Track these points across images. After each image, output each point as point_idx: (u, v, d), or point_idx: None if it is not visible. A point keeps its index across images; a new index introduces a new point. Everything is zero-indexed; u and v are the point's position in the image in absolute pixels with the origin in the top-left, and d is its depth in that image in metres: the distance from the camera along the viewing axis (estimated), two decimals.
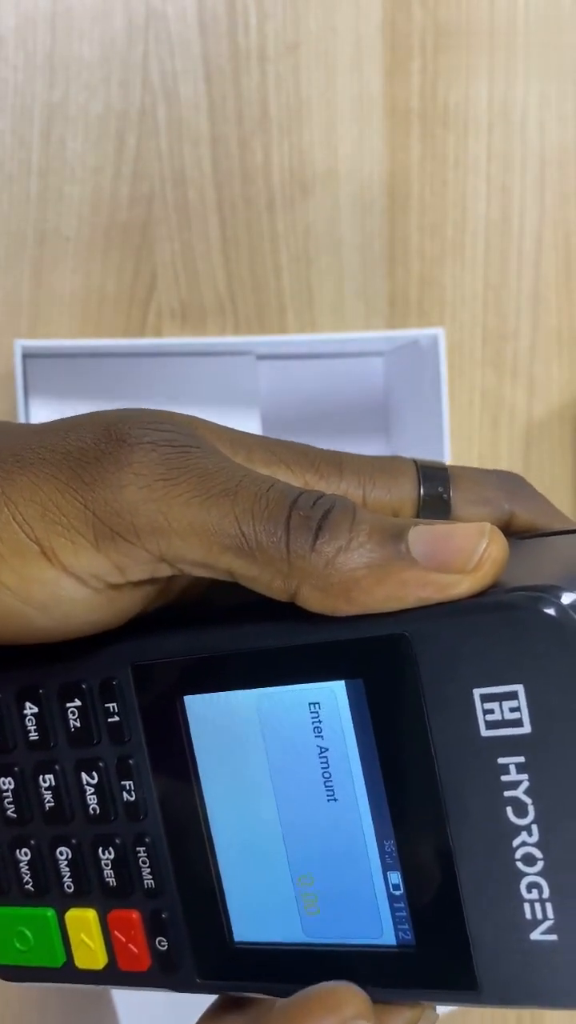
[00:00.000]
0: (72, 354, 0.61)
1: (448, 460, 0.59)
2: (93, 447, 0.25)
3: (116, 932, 0.28)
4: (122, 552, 0.25)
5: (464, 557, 0.23)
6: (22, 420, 0.58)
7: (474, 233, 0.66)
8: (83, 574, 0.25)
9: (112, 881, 0.28)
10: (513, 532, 0.28)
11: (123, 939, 0.28)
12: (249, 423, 0.64)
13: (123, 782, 0.27)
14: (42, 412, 0.61)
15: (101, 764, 0.27)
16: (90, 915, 0.28)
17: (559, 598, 0.22)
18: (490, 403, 0.67)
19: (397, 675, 0.23)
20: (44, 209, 0.62)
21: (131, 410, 0.27)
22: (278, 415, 0.65)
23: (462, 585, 0.23)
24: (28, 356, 0.59)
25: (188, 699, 0.26)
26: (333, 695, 0.24)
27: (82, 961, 0.29)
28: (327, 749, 0.25)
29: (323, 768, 0.25)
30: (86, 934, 0.28)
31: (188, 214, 0.63)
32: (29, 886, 0.29)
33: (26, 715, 0.28)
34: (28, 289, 0.62)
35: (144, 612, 0.27)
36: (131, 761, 0.27)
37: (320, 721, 0.25)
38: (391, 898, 0.25)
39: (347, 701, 0.24)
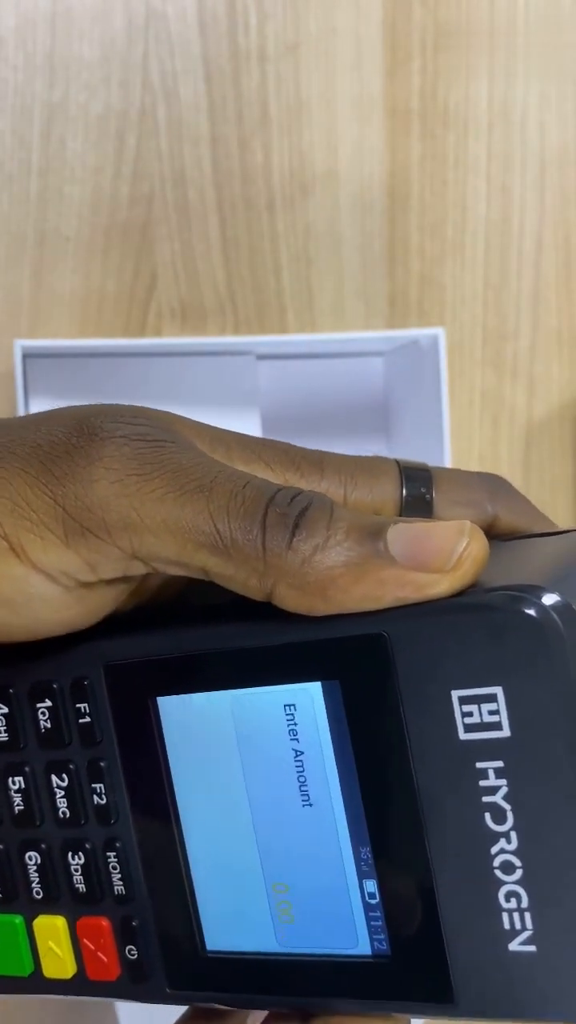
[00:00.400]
0: (72, 354, 0.61)
1: (448, 460, 0.59)
2: (64, 440, 0.25)
3: (85, 940, 0.27)
4: (93, 549, 0.24)
5: (443, 556, 0.22)
6: None
7: (474, 233, 0.66)
8: (53, 571, 0.25)
9: (81, 887, 0.27)
10: (496, 534, 0.28)
11: (92, 947, 0.27)
12: (249, 423, 0.64)
13: (94, 785, 0.26)
14: None
15: (71, 766, 0.27)
16: (59, 922, 0.27)
17: (540, 598, 0.21)
18: (490, 403, 0.67)
19: (374, 676, 0.23)
20: (44, 209, 0.62)
21: (105, 405, 0.26)
22: (278, 415, 0.65)
23: (441, 584, 0.22)
24: (28, 356, 0.59)
25: (161, 700, 0.25)
26: (309, 697, 0.24)
27: (50, 970, 0.28)
28: (302, 752, 0.24)
29: (298, 772, 0.24)
30: (55, 942, 0.27)
31: (188, 214, 0.63)
32: None
33: None
34: (28, 289, 0.62)
35: (117, 612, 0.26)
36: (102, 763, 0.26)
37: (295, 723, 0.24)
38: (367, 907, 0.24)
39: (323, 703, 0.24)
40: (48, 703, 0.27)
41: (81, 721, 0.26)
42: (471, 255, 0.66)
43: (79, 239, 0.62)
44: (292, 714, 0.24)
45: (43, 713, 0.27)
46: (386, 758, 0.23)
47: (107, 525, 0.24)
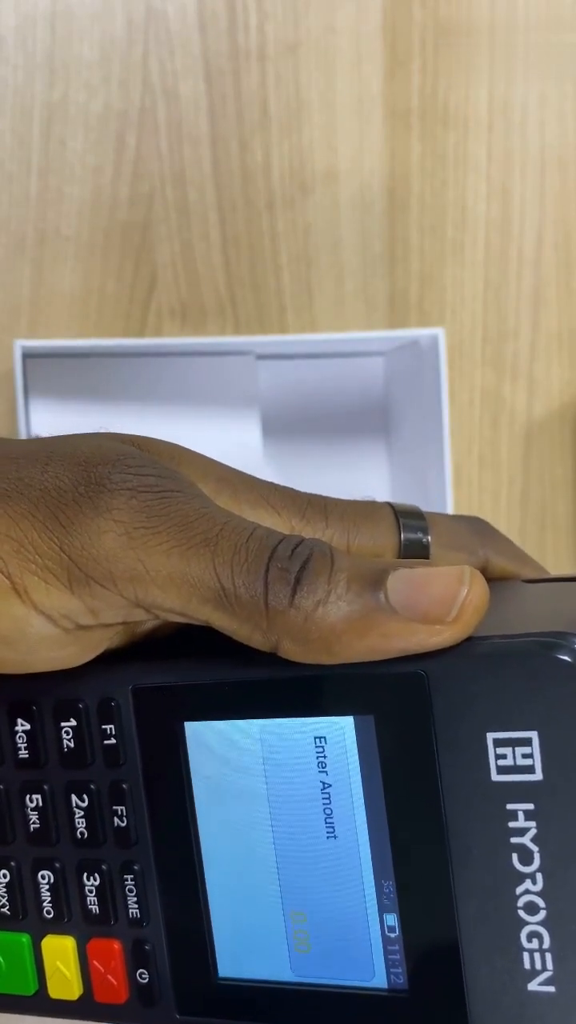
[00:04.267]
0: (72, 354, 0.61)
1: (448, 460, 0.59)
2: (71, 488, 0.25)
3: (95, 962, 0.27)
4: (97, 597, 0.24)
5: (444, 607, 0.23)
6: (22, 420, 0.58)
7: (474, 233, 0.66)
8: (54, 614, 0.25)
9: (95, 908, 0.27)
10: (488, 577, 0.28)
11: (101, 969, 0.27)
12: (249, 423, 0.63)
13: (115, 807, 0.26)
14: (42, 412, 0.61)
15: (93, 787, 0.26)
16: (68, 943, 0.27)
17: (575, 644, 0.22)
18: (490, 403, 0.67)
19: (410, 714, 0.23)
20: (44, 209, 0.62)
21: (109, 445, 0.26)
22: (278, 415, 0.65)
23: (443, 635, 0.23)
24: (28, 356, 0.59)
25: (189, 725, 0.25)
26: (341, 730, 0.24)
27: (56, 991, 0.28)
28: (330, 785, 0.24)
29: (325, 804, 0.24)
30: (62, 962, 0.27)
31: (188, 214, 0.63)
32: (5, 909, 0.28)
33: (17, 731, 0.27)
34: (28, 289, 0.62)
35: (109, 650, 0.26)
36: (124, 786, 0.26)
37: (325, 756, 0.24)
38: (385, 940, 0.24)
39: (355, 737, 0.24)
40: (73, 722, 0.26)
41: (106, 742, 0.26)
42: (471, 255, 0.66)
43: (79, 239, 0.62)
44: (322, 747, 0.24)
45: (67, 732, 0.27)
46: (416, 794, 0.23)
47: (113, 576, 0.24)
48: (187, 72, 0.62)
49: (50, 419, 0.61)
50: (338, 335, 0.64)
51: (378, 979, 0.24)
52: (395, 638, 0.23)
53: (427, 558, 0.28)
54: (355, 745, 0.24)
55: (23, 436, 0.58)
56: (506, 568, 0.29)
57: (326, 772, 0.24)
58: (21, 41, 0.61)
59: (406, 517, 0.28)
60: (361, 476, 0.66)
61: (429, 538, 0.28)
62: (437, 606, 0.23)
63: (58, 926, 0.27)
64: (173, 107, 0.62)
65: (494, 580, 0.29)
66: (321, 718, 0.24)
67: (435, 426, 0.60)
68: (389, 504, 0.28)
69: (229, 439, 0.63)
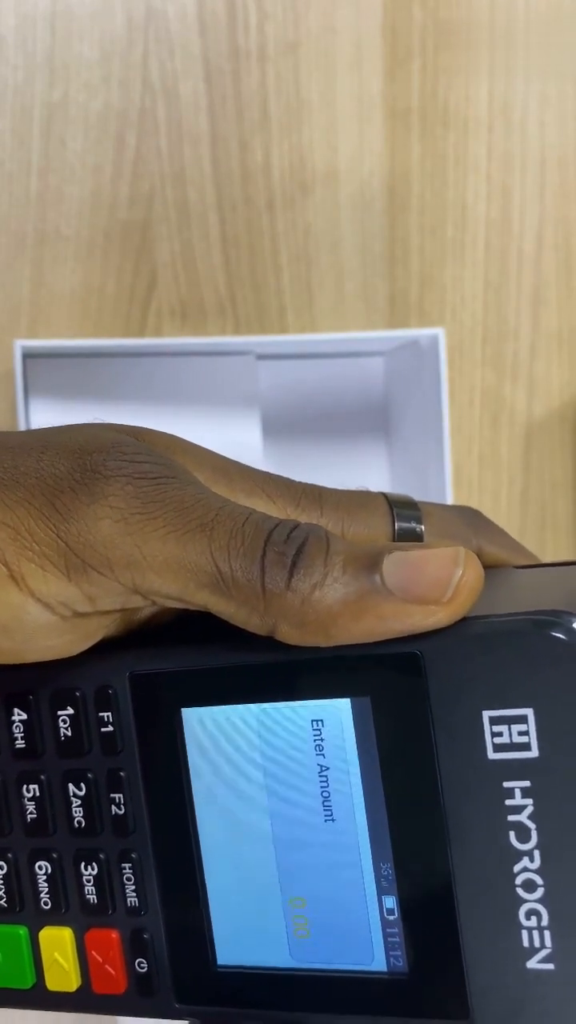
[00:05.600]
0: (72, 354, 0.61)
1: (448, 460, 0.59)
2: (67, 476, 0.25)
3: (93, 952, 0.27)
4: (94, 584, 0.24)
5: (440, 587, 0.23)
6: (22, 420, 0.58)
7: (474, 233, 0.66)
8: (51, 601, 0.25)
9: (93, 898, 0.27)
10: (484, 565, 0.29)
11: (100, 959, 0.27)
12: (249, 423, 0.63)
13: (112, 795, 0.26)
14: (42, 412, 0.61)
15: (90, 775, 0.26)
16: (66, 934, 0.27)
17: (571, 624, 0.22)
18: (490, 403, 0.67)
19: (406, 694, 0.23)
20: (44, 209, 0.62)
21: (105, 434, 0.26)
22: (278, 415, 0.65)
23: (438, 615, 0.23)
24: (28, 356, 0.59)
25: (186, 711, 0.26)
26: (338, 713, 0.24)
27: (53, 983, 0.27)
28: (328, 768, 0.24)
29: (322, 787, 0.24)
30: (60, 954, 0.27)
31: (188, 214, 0.63)
32: (2, 901, 0.28)
33: (13, 721, 0.27)
34: (28, 289, 0.62)
35: (106, 638, 0.26)
36: (122, 774, 0.26)
37: (322, 739, 0.24)
38: (384, 923, 0.24)
39: (352, 719, 0.24)
40: (70, 711, 0.26)
41: (103, 730, 0.26)
42: (471, 255, 0.66)
43: (79, 239, 0.62)
44: (319, 729, 0.24)
45: (64, 721, 0.26)
46: (413, 775, 0.23)
47: (110, 562, 0.24)
48: (187, 72, 0.62)
49: (50, 419, 0.61)
50: (338, 335, 0.64)
51: (378, 962, 0.24)
52: (391, 619, 0.23)
53: None
54: (352, 727, 0.24)
55: None
56: (499, 557, 0.29)
57: (323, 755, 0.24)
58: (21, 41, 0.61)
59: (400, 507, 0.28)
60: (361, 476, 0.66)
61: (423, 527, 0.28)
62: (432, 587, 0.23)
63: (56, 917, 0.27)
64: (173, 107, 0.62)
65: (487, 568, 0.29)
66: (318, 701, 0.24)
67: (435, 426, 0.60)
68: (383, 494, 0.29)
69: (229, 439, 0.63)
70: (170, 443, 0.27)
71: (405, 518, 0.28)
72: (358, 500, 0.28)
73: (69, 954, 0.27)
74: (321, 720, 0.24)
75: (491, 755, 0.23)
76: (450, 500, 0.60)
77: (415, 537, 0.28)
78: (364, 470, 0.66)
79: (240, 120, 0.63)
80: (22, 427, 0.58)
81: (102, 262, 0.62)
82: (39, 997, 0.28)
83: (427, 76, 0.65)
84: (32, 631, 0.25)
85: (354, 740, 0.24)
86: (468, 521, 0.29)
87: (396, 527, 0.28)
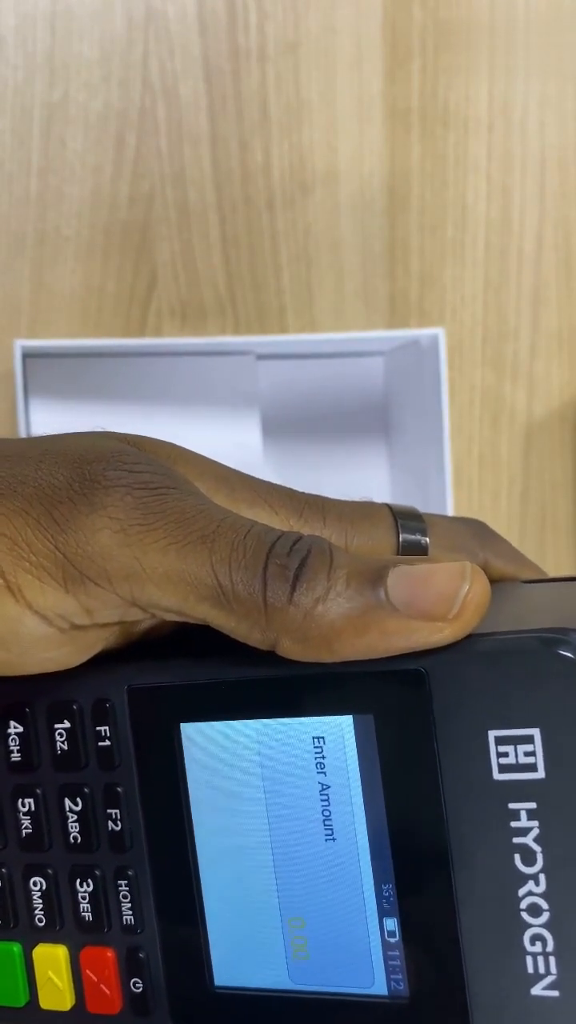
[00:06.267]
0: (72, 354, 0.61)
1: (448, 460, 0.59)
2: (66, 486, 0.24)
3: (88, 971, 0.26)
4: (92, 596, 0.24)
5: (445, 603, 0.22)
6: (22, 420, 0.58)
7: (474, 233, 0.66)
8: (48, 613, 0.24)
9: (88, 916, 0.26)
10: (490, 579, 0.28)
11: (95, 979, 0.26)
12: (249, 423, 0.63)
13: (109, 811, 0.26)
14: (42, 412, 0.61)
15: (86, 790, 0.26)
16: (60, 952, 0.27)
17: None
18: (490, 403, 0.67)
19: (410, 712, 0.23)
20: (44, 209, 0.62)
21: (104, 443, 0.26)
22: (278, 415, 0.65)
23: (444, 632, 0.22)
24: (28, 356, 0.59)
25: (185, 727, 0.25)
26: (340, 730, 0.24)
27: (47, 1001, 0.27)
28: (329, 786, 0.24)
29: (323, 806, 0.24)
30: (54, 972, 0.27)
31: (188, 214, 0.63)
32: None
33: (9, 734, 0.26)
34: (28, 289, 0.62)
35: (105, 651, 0.26)
36: (119, 789, 0.26)
37: (324, 757, 0.24)
38: (385, 945, 0.24)
39: (354, 737, 0.23)
40: (67, 724, 0.26)
41: (100, 744, 0.26)
42: (471, 255, 0.66)
43: (79, 239, 0.62)
44: (321, 747, 0.24)
45: (60, 734, 0.26)
46: (416, 795, 0.23)
47: (108, 574, 0.24)
48: (187, 72, 0.62)
49: (50, 419, 0.61)
50: (338, 335, 0.64)
51: (378, 986, 0.24)
52: (395, 636, 0.22)
53: None
54: (354, 745, 0.23)
55: (23, 436, 0.58)
56: (505, 570, 0.29)
57: (324, 773, 0.24)
58: (21, 41, 0.61)
59: (404, 518, 0.28)
60: (361, 476, 0.66)
61: (427, 540, 0.28)
62: (438, 603, 0.22)
63: (50, 934, 0.27)
64: (173, 107, 0.62)
65: (493, 582, 0.29)
66: (319, 718, 0.24)
67: (435, 426, 0.60)
68: (387, 505, 0.28)
69: (229, 439, 0.63)
70: (171, 452, 0.27)
71: (410, 530, 0.28)
72: (362, 511, 0.28)
73: (63, 972, 0.27)
74: (322, 737, 0.24)
75: (496, 776, 0.22)
76: (450, 500, 0.60)
77: (420, 549, 0.28)
78: (364, 470, 0.66)
79: (240, 120, 0.63)
80: (22, 427, 0.58)
81: (102, 262, 0.62)
82: (32, 1015, 0.27)
83: (427, 76, 0.65)
84: (29, 643, 0.25)
85: (356, 758, 0.23)
86: (474, 533, 0.29)
87: (401, 539, 0.27)
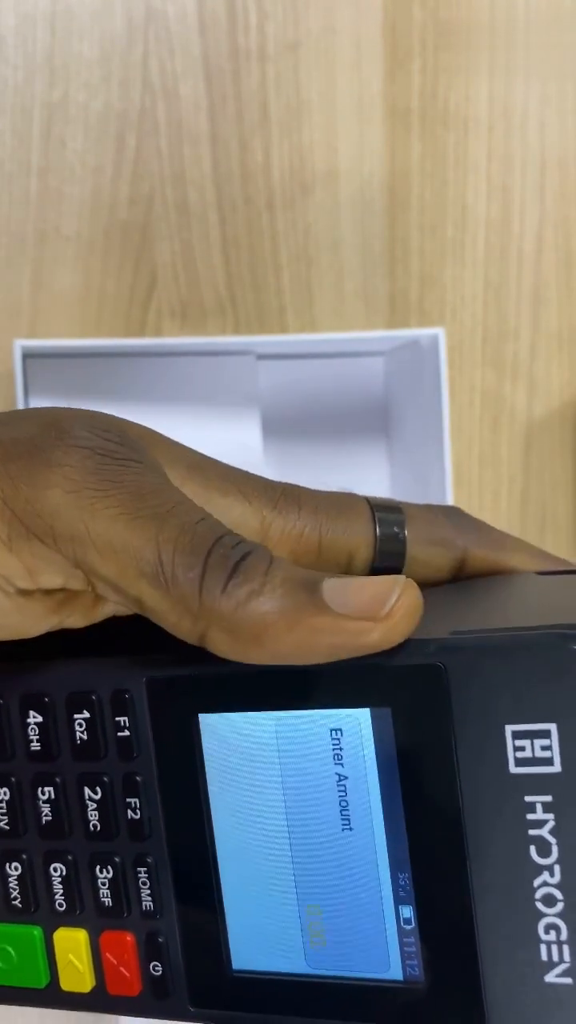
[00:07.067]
0: (72, 354, 0.61)
1: (448, 460, 0.59)
2: (27, 439, 0.24)
3: (108, 954, 0.27)
4: (36, 554, 0.24)
5: (376, 606, 0.22)
6: None
7: (474, 233, 0.66)
8: None
9: (108, 901, 0.27)
10: (473, 571, 0.28)
11: (114, 962, 0.27)
12: (249, 423, 0.63)
13: (128, 799, 0.26)
14: None
15: (106, 779, 0.26)
16: (80, 935, 0.27)
17: None
18: (490, 403, 0.67)
19: (428, 706, 0.23)
20: (44, 209, 0.62)
21: (84, 411, 0.26)
22: (278, 415, 0.65)
23: (374, 633, 0.22)
24: (28, 356, 0.59)
25: (203, 717, 0.25)
26: (357, 722, 0.24)
27: (68, 983, 0.27)
28: (346, 777, 0.24)
29: (340, 796, 0.24)
30: (74, 955, 0.27)
31: (188, 214, 0.63)
32: (16, 902, 0.28)
33: (29, 723, 0.27)
34: (28, 289, 0.62)
35: (61, 626, 0.26)
36: (138, 778, 0.26)
37: (341, 748, 0.24)
38: (401, 932, 0.24)
39: (371, 729, 0.24)
40: (86, 714, 0.26)
41: (120, 734, 0.26)
42: (471, 255, 0.66)
43: (79, 239, 0.62)
44: (338, 739, 0.24)
45: (80, 724, 0.26)
46: (433, 786, 0.23)
47: (54, 532, 0.24)
48: (187, 72, 0.62)
49: None
50: (338, 335, 0.64)
51: (394, 971, 0.24)
52: (325, 633, 0.22)
53: (403, 553, 0.28)
54: (371, 737, 0.24)
55: None
56: (487, 557, 0.29)
57: (342, 764, 0.24)
58: (21, 41, 0.61)
59: (382, 511, 0.28)
60: (361, 476, 0.66)
61: (406, 533, 0.28)
62: (369, 604, 0.22)
63: (70, 918, 0.27)
64: (173, 107, 0.62)
65: (503, 574, 0.29)
66: (337, 710, 0.24)
67: (435, 426, 0.60)
68: (365, 498, 0.28)
69: (229, 439, 0.63)
70: (145, 435, 0.27)
71: (387, 523, 0.28)
72: (338, 503, 0.28)
73: (83, 955, 0.27)
74: (340, 729, 0.24)
75: (513, 769, 0.22)
76: (450, 500, 0.60)
77: (398, 543, 0.28)
78: (364, 470, 0.66)
79: (240, 120, 0.63)
80: None
81: (102, 262, 0.62)
82: (53, 996, 0.28)
83: (427, 76, 0.65)
84: None
85: (373, 750, 0.24)
86: (452, 523, 0.29)
87: (378, 532, 0.28)
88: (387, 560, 0.28)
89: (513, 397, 0.67)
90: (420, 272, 0.66)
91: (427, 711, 0.23)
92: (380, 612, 0.22)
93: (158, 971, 0.27)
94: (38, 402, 0.61)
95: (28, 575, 0.24)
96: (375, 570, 0.28)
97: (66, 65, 0.61)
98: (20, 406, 0.57)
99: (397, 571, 0.28)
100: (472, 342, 0.67)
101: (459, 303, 0.66)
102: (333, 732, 0.24)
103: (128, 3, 0.62)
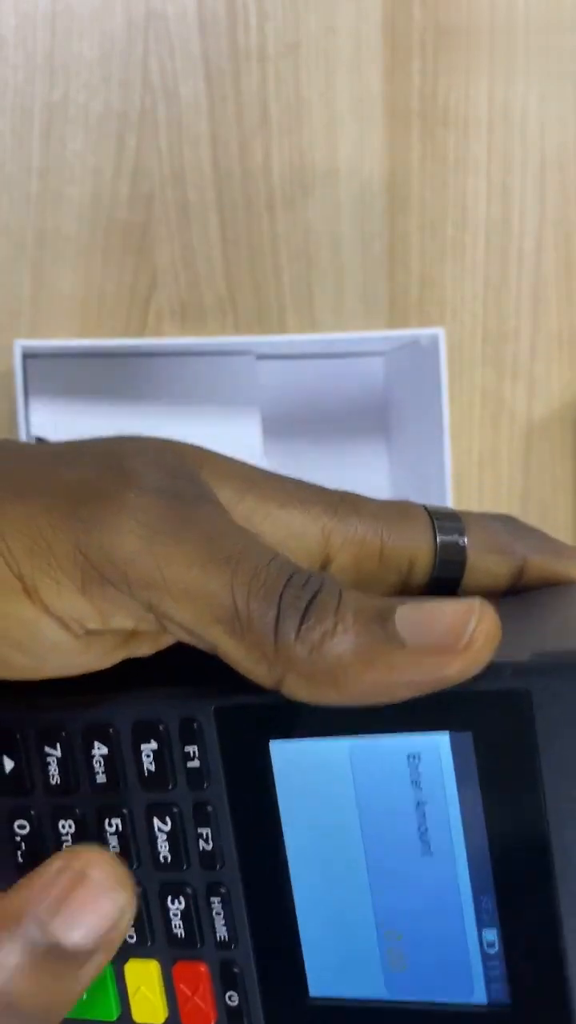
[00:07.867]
0: (72, 354, 0.61)
1: (448, 460, 0.59)
2: (95, 479, 0.24)
3: (181, 985, 0.26)
4: (108, 599, 0.23)
5: (454, 636, 0.22)
6: (21, 420, 0.58)
7: (474, 233, 0.66)
8: (63, 616, 0.24)
9: (180, 932, 0.26)
10: (530, 580, 0.28)
11: (188, 992, 0.26)
12: (249, 423, 0.64)
13: (200, 829, 0.26)
14: (42, 412, 0.61)
15: (175, 810, 0.26)
16: (152, 967, 0.27)
17: None
18: (490, 403, 0.67)
19: (512, 731, 0.22)
20: (44, 209, 0.62)
21: (144, 442, 0.25)
22: (278, 415, 0.65)
23: (454, 665, 0.22)
24: (28, 356, 0.59)
25: (274, 744, 0.25)
26: (436, 748, 0.23)
27: (140, 1015, 0.27)
28: (425, 802, 0.24)
29: (419, 821, 0.24)
30: (146, 986, 0.27)
31: (188, 214, 0.63)
32: None
33: (94, 756, 0.26)
34: (28, 289, 0.62)
35: (129, 656, 0.26)
36: (209, 808, 0.25)
37: (420, 774, 0.24)
38: (484, 956, 0.24)
39: (451, 755, 0.23)
40: (154, 745, 0.26)
41: (189, 764, 0.25)
42: (471, 255, 0.66)
43: (79, 239, 0.62)
44: (416, 764, 0.24)
45: (147, 755, 0.26)
46: (518, 809, 0.23)
47: (128, 579, 0.23)
48: (187, 72, 0.62)
49: (50, 419, 0.61)
50: (338, 335, 0.64)
51: (478, 995, 0.24)
52: (402, 669, 0.22)
53: (463, 561, 0.27)
54: (451, 762, 0.23)
55: (23, 436, 0.58)
56: (545, 565, 0.28)
57: (420, 789, 0.24)
58: (21, 41, 0.61)
59: (441, 519, 0.27)
60: (361, 476, 0.66)
61: (466, 540, 0.27)
62: (446, 635, 0.22)
63: (141, 950, 0.27)
64: (173, 107, 0.62)
65: (562, 585, 0.28)
66: (414, 735, 0.23)
67: (435, 426, 0.60)
68: (423, 506, 0.28)
69: (229, 439, 0.63)
70: (200, 455, 0.26)
71: (447, 530, 0.27)
72: (398, 510, 0.27)
73: (156, 986, 0.27)
74: (418, 755, 0.24)
75: None
76: (450, 500, 0.60)
77: (458, 550, 0.27)
78: (364, 470, 0.66)
79: (240, 120, 0.63)
80: (22, 427, 0.58)
81: (102, 262, 0.62)
82: None
83: (427, 76, 0.65)
84: (47, 648, 0.24)
85: (453, 775, 0.23)
86: (510, 530, 0.28)
87: (438, 540, 0.27)
88: (447, 568, 0.27)
89: (513, 397, 0.67)
90: (420, 272, 0.66)
91: (512, 736, 0.22)
92: (459, 643, 0.22)
93: (234, 1001, 0.26)
94: (38, 402, 0.61)
95: (100, 617, 0.24)
96: (435, 578, 0.27)
97: (66, 65, 0.61)
98: (20, 406, 0.57)
99: (457, 580, 0.28)
100: (472, 342, 0.67)
101: (459, 303, 0.66)
102: (411, 758, 0.24)
103: (128, 3, 0.62)
